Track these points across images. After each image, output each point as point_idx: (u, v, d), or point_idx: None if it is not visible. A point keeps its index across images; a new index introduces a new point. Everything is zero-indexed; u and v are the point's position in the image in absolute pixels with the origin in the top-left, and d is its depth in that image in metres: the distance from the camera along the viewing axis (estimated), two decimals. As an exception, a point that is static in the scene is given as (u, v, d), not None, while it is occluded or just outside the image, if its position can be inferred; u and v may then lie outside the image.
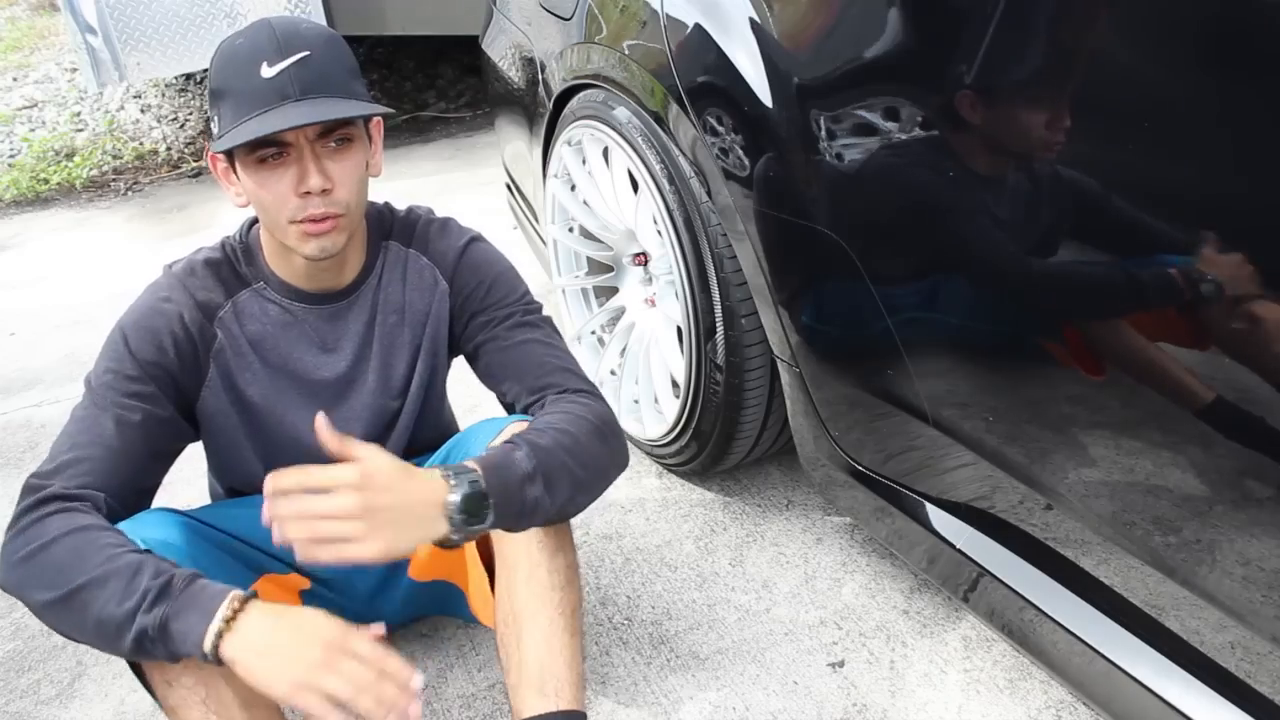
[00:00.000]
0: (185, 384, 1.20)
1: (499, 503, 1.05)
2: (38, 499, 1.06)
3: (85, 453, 1.11)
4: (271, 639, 0.97)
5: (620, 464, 1.22)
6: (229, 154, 1.12)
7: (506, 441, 1.11)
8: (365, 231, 1.26)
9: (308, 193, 1.09)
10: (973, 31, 1.03)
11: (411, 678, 0.98)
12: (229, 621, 0.97)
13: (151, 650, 0.99)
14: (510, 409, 1.32)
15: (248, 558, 1.26)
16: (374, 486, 0.97)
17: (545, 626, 1.17)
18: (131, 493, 1.15)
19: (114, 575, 0.99)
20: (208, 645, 0.96)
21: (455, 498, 1.01)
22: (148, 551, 1.04)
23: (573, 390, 1.23)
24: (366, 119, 1.16)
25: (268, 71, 1.06)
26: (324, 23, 3.71)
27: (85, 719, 1.48)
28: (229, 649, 0.96)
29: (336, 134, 1.10)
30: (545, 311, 1.34)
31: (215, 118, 1.11)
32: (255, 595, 1.00)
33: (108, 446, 1.12)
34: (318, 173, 1.08)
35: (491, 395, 1.34)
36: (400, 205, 1.34)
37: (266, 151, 1.08)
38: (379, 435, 1.33)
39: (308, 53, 1.07)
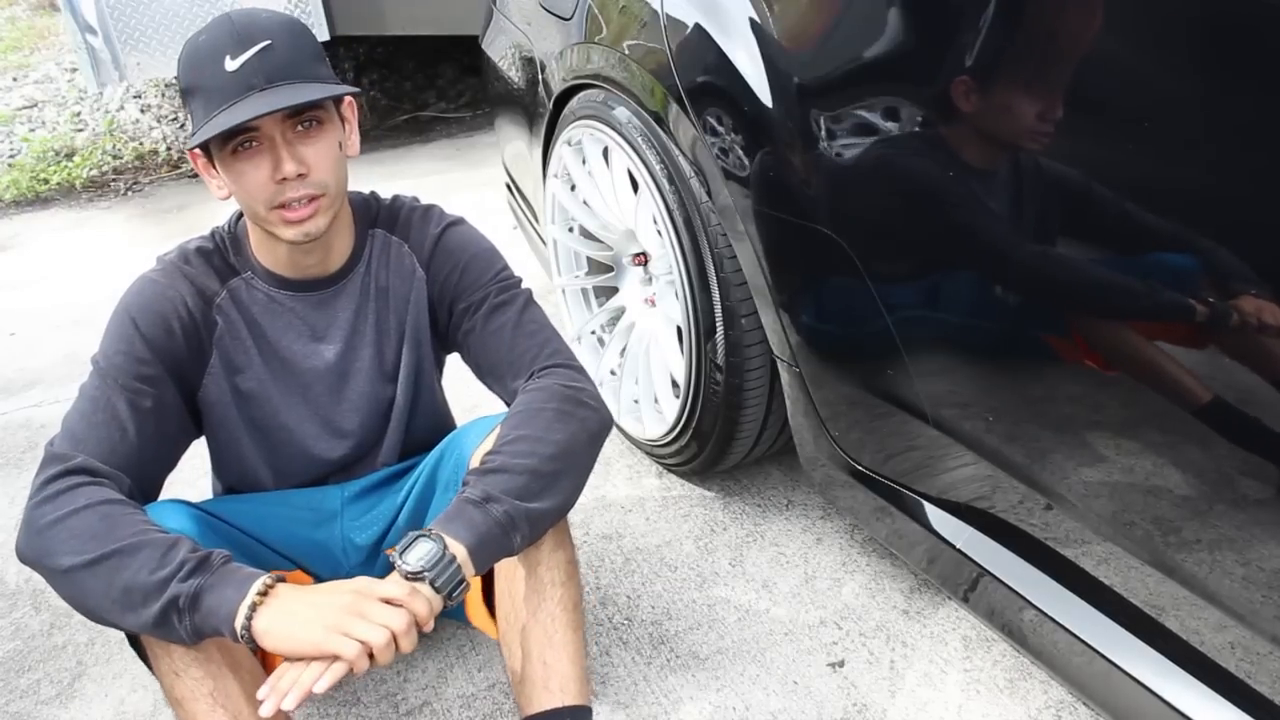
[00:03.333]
0: (190, 370, 1.21)
1: (472, 545, 1.05)
2: (66, 469, 1.06)
3: (103, 432, 1.11)
4: (300, 605, 0.99)
5: (596, 428, 1.19)
6: (207, 149, 1.14)
7: (464, 481, 1.12)
8: (351, 218, 1.27)
9: (284, 179, 1.10)
10: (972, 31, 1.03)
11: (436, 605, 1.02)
12: (263, 595, 0.98)
13: (176, 622, 0.99)
14: (504, 402, 1.33)
15: (255, 553, 1.27)
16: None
17: (547, 622, 1.18)
18: (145, 478, 1.15)
19: (148, 545, 1.00)
20: (240, 620, 0.97)
21: (419, 578, 1.01)
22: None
23: (537, 371, 1.22)
24: (337, 101, 1.18)
25: (231, 64, 1.07)
26: (323, 23, 3.71)
27: (85, 719, 1.48)
28: (261, 621, 0.97)
29: (306, 118, 1.11)
30: (537, 300, 1.33)
31: (189, 115, 1.13)
32: (283, 579, 1.02)
33: (123, 429, 1.12)
34: (291, 158, 1.10)
35: (491, 396, 1.34)
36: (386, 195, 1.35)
37: (239, 142, 1.10)
38: (377, 425, 1.33)
39: (269, 42, 1.09)
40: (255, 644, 0.98)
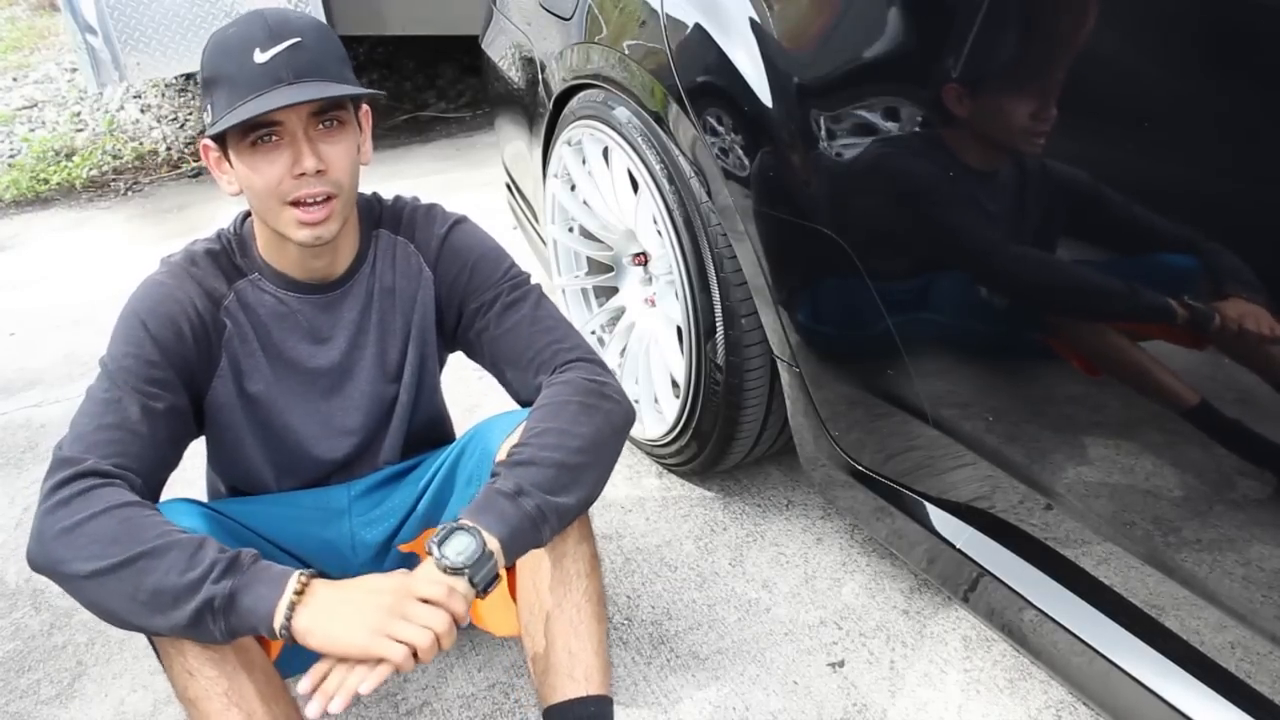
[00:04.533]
0: (198, 373, 1.21)
1: (505, 539, 1.05)
2: (76, 472, 1.05)
3: (114, 434, 1.10)
4: (341, 604, 0.99)
5: (621, 421, 1.20)
6: (222, 142, 1.14)
7: (493, 472, 1.12)
8: (357, 220, 1.27)
9: (303, 173, 1.10)
10: (973, 31, 1.03)
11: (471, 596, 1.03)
12: (300, 594, 0.99)
13: (210, 624, 0.98)
14: (518, 400, 1.33)
15: (265, 552, 1.26)
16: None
17: (572, 613, 1.18)
18: (154, 479, 1.15)
19: (175, 547, 1.00)
20: (279, 619, 0.97)
21: (459, 573, 1.02)
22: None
23: (559, 366, 1.23)
24: (355, 107, 1.18)
25: (261, 57, 1.07)
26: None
27: (85, 719, 1.48)
28: (301, 620, 0.97)
29: (328, 117, 1.12)
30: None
31: (209, 106, 1.13)
32: (318, 573, 1.02)
33: (133, 431, 1.11)
34: (311, 154, 1.10)
35: (490, 395, 1.34)
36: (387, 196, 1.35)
37: (260, 135, 1.09)
38: (378, 423, 1.33)
39: (299, 39, 1.09)
40: (293, 641, 0.98)
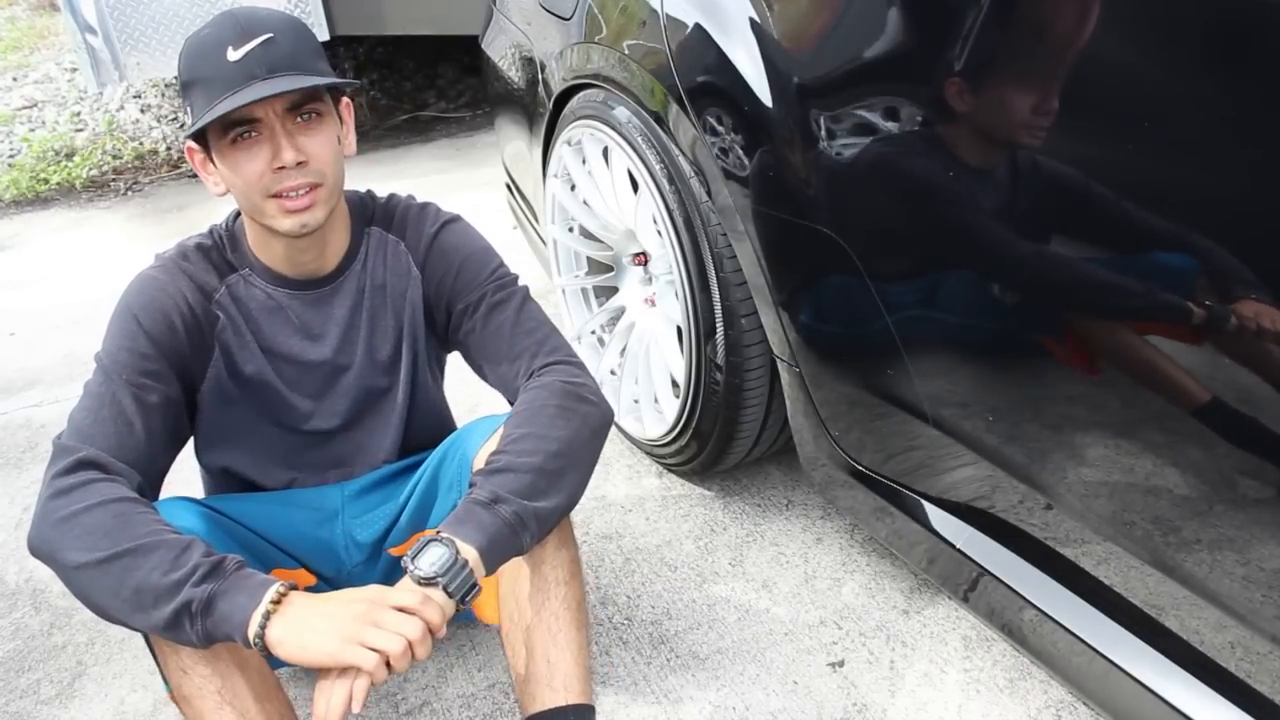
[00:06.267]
0: (193, 365, 1.21)
1: (483, 547, 1.05)
2: (76, 461, 1.06)
3: (112, 428, 1.12)
4: (314, 615, 0.99)
5: (598, 423, 1.19)
6: (205, 143, 1.14)
7: (470, 482, 1.12)
8: (347, 216, 1.27)
9: (283, 166, 1.11)
10: (972, 31, 1.03)
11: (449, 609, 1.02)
12: (276, 604, 0.98)
13: (187, 626, 0.99)
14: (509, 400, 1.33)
15: (260, 551, 1.27)
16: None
17: (551, 621, 1.18)
18: (151, 473, 1.16)
19: (162, 546, 1.00)
20: (253, 627, 0.97)
21: (433, 583, 1.01)
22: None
23: (538, 369, 1.23)
24: (335, 100, 1.19)
25: (233, 55, 1.08)
26: (323, 23, 3.71)
27: (85, 719, 1.48)
28: (275, 630, 0.97)
29: (306, 109, 1.12)
30: (537, 300, 1.33)
31: (188, 108, 1.14)
32: (295, 586, 1.02)
33: (129, 424, 1.12)
34: (290, 147, 1.10)
35: (491, 394, 1.34)
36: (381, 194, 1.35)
37: (239, 132, 1.10)
38: (372, 417, 1.34)
39: (271, 35, 1.10)
40: (268, 652, 0.98)
